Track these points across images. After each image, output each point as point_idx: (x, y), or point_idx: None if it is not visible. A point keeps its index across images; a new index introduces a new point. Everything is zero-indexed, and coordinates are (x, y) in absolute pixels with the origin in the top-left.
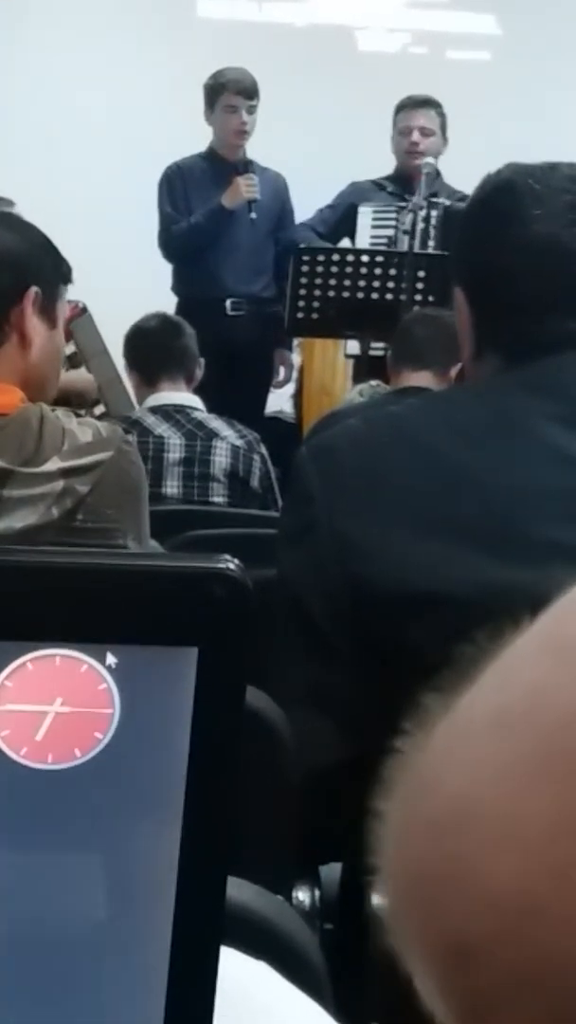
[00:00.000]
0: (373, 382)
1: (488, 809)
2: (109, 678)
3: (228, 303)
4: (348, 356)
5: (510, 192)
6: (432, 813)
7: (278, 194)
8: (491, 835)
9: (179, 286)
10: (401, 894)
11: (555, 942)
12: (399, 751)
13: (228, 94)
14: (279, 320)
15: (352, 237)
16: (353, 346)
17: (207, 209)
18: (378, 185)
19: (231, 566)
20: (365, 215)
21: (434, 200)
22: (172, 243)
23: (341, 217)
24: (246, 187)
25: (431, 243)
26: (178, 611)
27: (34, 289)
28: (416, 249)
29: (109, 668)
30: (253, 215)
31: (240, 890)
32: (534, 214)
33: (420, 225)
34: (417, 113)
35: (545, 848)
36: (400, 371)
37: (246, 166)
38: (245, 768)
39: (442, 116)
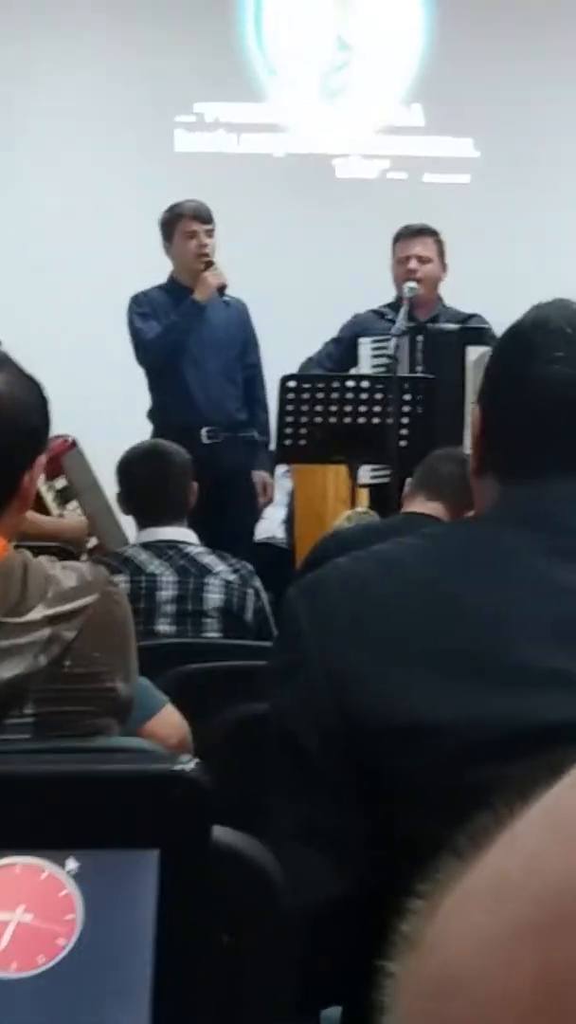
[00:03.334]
0: (360, 508)
1: (478, 976)
2: (71, 883)
3: (204, 431)
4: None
5: (543, 327)
6: (429, 978)
7: (242, 321)
8: (479, 1002)
9: (154, 415)
10: None
11: None
12: (411, 912)
13: (185, 220)
14: (254, 443)
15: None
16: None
17: (180, 308)
18: (378, 314)
19: (189, 767)
20: (365, 346)
21: (428, 325)
22: (149, 349)
23: (345, 350)
24: (213, 276)
25: (419, 368)
26: (137, 814)
27: (42, 457)
28: (408, 373)
29: (70, 874)
30: (226, 299)
31: None
32: (556, 355)
33: (409, 350)
34: (414, 242)
35: (527, 1017)
36: (415, 497)
37: (221, 291)
38: (237, 915)
39: (440, 243)
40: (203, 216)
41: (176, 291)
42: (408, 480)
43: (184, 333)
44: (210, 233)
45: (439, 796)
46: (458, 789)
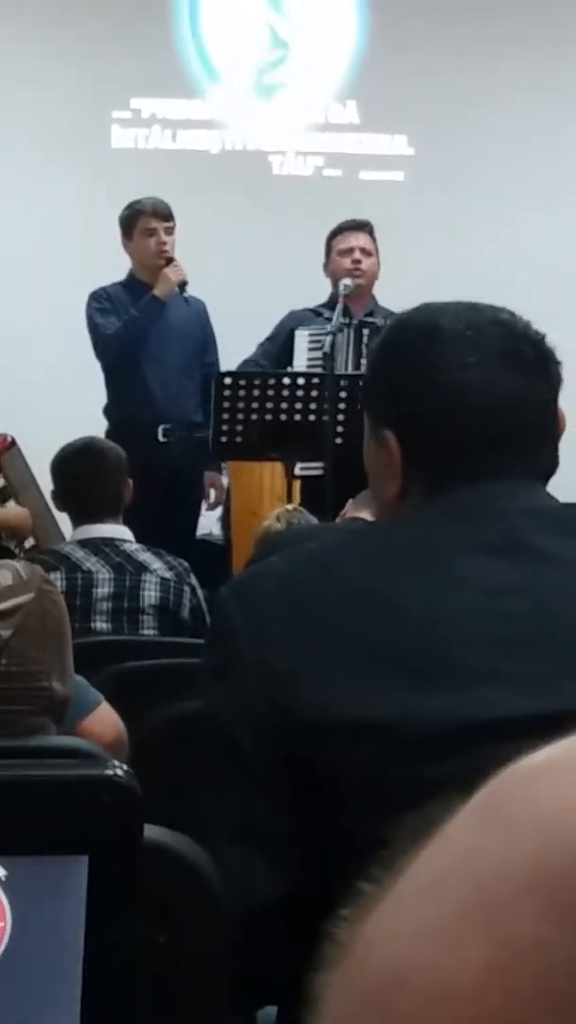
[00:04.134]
0: (289, 506)
1: (422, 965)
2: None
3: (160, 430)
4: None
5: (437, 336)
6: (370, 976)
7: (201, 319)
8: (427, 989)
9: (111, 411)
10: None
11: None
12: (345, 914)
13: (145, 217)
14: (207, 443)
15: (291, 363)
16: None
17: (141, 304)
18: (315, 312)
19: (118, 772)
20: (301, 338)
21: (367, 320)
22: (109, 345)
23: (282, 346)
24: (174, 272)
25: (363, 362)
26: (66, 821)
27: None
28: (348, 370)
29: None
30: (185, 296)
31: None
32: (468, 361)
33: (350, 346)
34: (358, 234)
35: (478, 997)
36: (360, 509)
37: (181, 287)
38: (173, 915)
39: (375, 240)
40: (163, 213)
41: (135, 287)
42: (351, 500)
43: (144, 329)
44: (170, 231)
45: (375, 794)
46: (394, 787)
